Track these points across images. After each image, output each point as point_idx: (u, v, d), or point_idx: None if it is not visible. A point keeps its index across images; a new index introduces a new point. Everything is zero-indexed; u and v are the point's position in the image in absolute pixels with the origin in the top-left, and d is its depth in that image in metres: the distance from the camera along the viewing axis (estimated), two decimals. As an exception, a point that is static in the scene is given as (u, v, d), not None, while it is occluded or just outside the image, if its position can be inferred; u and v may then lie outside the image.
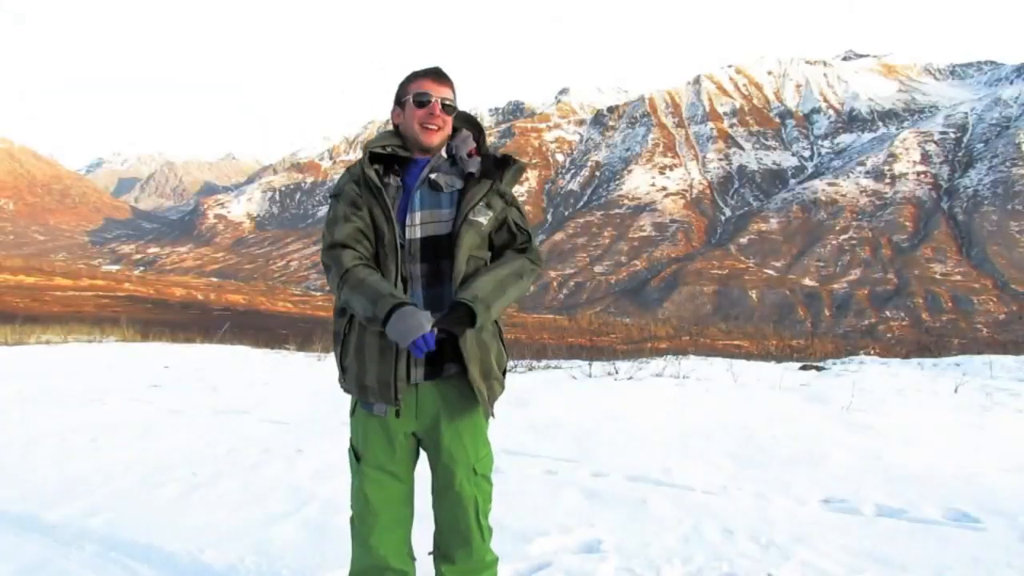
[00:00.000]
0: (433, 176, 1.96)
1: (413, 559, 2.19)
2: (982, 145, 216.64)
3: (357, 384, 2.01)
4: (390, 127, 2.08)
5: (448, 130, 2.00)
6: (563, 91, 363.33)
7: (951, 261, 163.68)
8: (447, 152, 2.02)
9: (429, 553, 2.23)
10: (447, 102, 1.95)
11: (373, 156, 1.97)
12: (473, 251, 1.96)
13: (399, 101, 2.00)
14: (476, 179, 1.96)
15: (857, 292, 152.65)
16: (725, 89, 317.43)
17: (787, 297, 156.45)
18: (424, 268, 1.96)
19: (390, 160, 2.00)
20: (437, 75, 1.95)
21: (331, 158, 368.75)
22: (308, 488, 3.86)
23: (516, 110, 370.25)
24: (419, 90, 1.94)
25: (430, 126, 1.94)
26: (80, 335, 21.19)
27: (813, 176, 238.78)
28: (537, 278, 2.16)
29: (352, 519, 2.13)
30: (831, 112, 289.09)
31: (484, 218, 1.95)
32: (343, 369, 2.06)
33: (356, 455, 2.08)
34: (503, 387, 2.12)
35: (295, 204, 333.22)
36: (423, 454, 2.17)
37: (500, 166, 2.01)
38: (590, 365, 9.93)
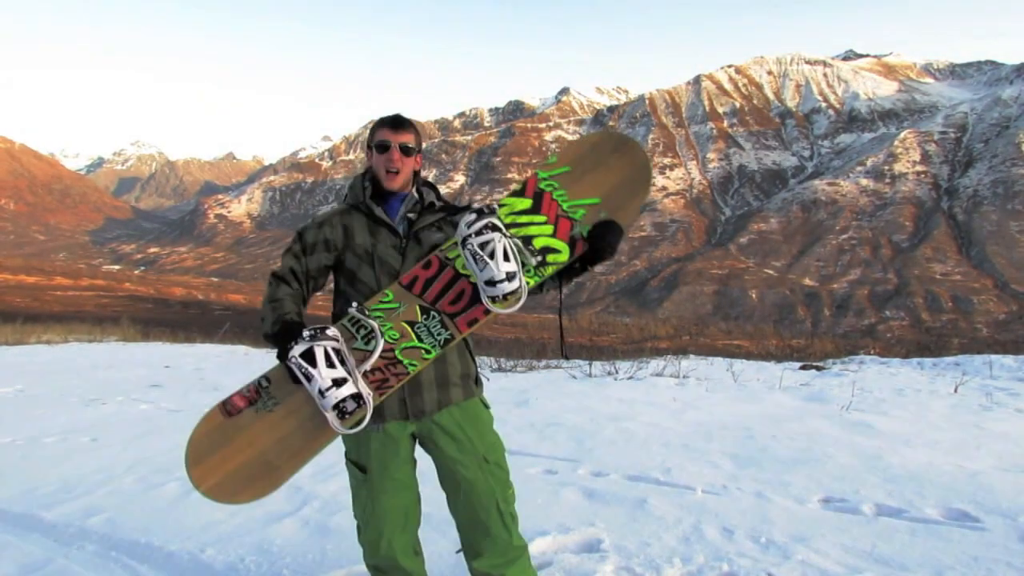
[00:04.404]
0: (411, 216, 2.19)
1: (419, 555, 2.25)
2: (982, 145, 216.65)
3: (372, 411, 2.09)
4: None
5: (408, 172, 2.18)
6: (563, 91, 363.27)
7: (951, 261, 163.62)
8: (418, 194, 2.22)
9: (457, 551, 2.29)
10: (405, 145, 2.15)
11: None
12: (412, 262, 2.15)
13: (368, 147, 2.23)
14: (433, 209, 2.21)
15: (857, 292, 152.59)
16: (725, 89, 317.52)
17: (787, 297, 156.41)
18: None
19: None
20: (395, 123, 2.17)
21: (331, 158, 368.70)
22: (308, 488, 3.87)
23: (516, 110, 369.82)
24: (380, 139, 2.15)
25: (391, 170, 2.14)
26: (80, 335, 21.19)
27: (813, 176, 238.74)
28: None
29: (359, 526, 2.20)
30: (831, 112, 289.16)
31: (428, 240, 2.16)
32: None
33: (359, 468, 2.15)
34: (469, 393, 2.20)
35: (295, 204, 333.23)
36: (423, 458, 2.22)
37: (459, 209, 2.25)
38: (590, 365, 9.92)
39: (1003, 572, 2.59)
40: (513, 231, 2.04)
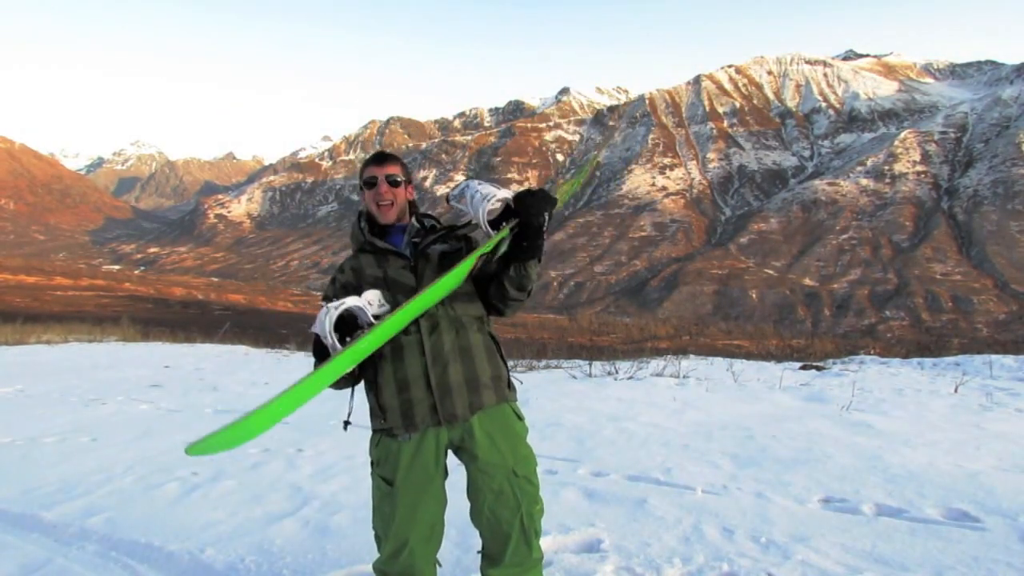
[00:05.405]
0: (416, 240, 2.23)
1: (437, 566, 2.25)
2: (982, 145, 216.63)
3: (403, 418, 2.09)
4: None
5: (402, 203, 2.23)
6: (563, 91, 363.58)
7: (951, 261, 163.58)
8: (418, 223, 2.26)
9: (478, 552, 2.31)
10: (392, 177, 2.20)
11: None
12: (431, 280, 2.16)
13: (359, 188, 2.28)
14: (435, 231, 2.25)
15: (857, 292, 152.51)
16: (725, 89, 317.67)
17: (787, 297, 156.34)
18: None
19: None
20: (379, 158, 2.24)
21: (331, 158, 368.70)
22: (308, 488, 3.87)
23: (516, 110, 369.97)
24: (367, 176, 2.21)
25: (383, 203, 2.19)
26: (80, 335, 21.19)
27: (813, 176, 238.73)
28: None
29: (378, 536, 2.18)
30: (831, 112, 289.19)
31: (435, 252, 2.19)
32: (383, 409, 2.12)
33: (387, 481, 2.13)
34: (501, 396, 2.20)
35: (295, 204, 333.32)
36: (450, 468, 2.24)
37: (459, 227, 2.27)
38: (590, 365, 9.93)
39: (1003, 572, 2.59)
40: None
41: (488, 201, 1.99)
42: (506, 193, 2.01)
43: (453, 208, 2.12)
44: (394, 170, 2.21)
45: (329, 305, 1.96)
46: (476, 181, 2.08)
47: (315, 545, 3.00)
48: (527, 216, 1.97)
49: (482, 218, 2.00)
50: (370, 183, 2.19)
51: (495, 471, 2.11)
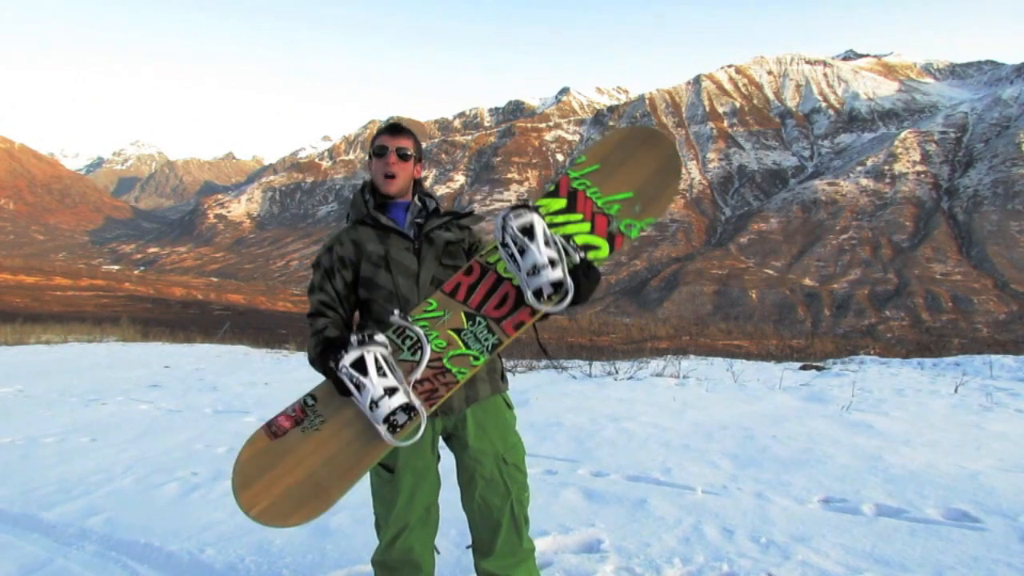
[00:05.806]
0: (419, 221, 2.23)
1: (435, 553, 2.27)
2: (982, 145, 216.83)
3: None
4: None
5: (407, 178, 2.22)
6: (563, 91, 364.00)
7: (951, 261, 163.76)
8: (421, 202, 2.27)
9: (468, 547, 2.32)
10: (403, 150, 2.19)
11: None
12: (433, 266, 2.19)
13: (369, 156, 2.28)
14: (439, 214, 2.26)
15: (857, 292, 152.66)
16: (725, 89, 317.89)
17: (787, 297, 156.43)
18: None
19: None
20: (393, 129, 2.24)
21: (331, 158, 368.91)
22: (308, 488, 3.86)
23: (516, 110, 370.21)
24: (378, 144, 2.20)
25: (388, 174, 2.18)
26: (80, 335, 21.20)
27: (813, 176, 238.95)
28: None
29: (378, 523, 2.21)
30: (831, 112, 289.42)
31: (440, 238, 2.18)
32: None
33: (387, 468, 2.14)
34: (496, 388, 2.23)
35: (295, 204, 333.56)
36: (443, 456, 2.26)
37: (463, 215, 2.30)
38: (590, 365, 9.93)
39: (1003, 572, 2.59)
40: (552, 231, 1.98)
41: (544, 282, 1.86)
42: (561, 276, 1.87)
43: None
44: (406, 143, 2.20)
45: (364, 380, 1.82)
46: (541, 232, 1.89)
47: (315, 545, 3.00)
48: (579, 299, 1.92)
49: (529, 294, 1.89)
50: (379, 152, 2.18)
51: (485, 458, 2.15)
